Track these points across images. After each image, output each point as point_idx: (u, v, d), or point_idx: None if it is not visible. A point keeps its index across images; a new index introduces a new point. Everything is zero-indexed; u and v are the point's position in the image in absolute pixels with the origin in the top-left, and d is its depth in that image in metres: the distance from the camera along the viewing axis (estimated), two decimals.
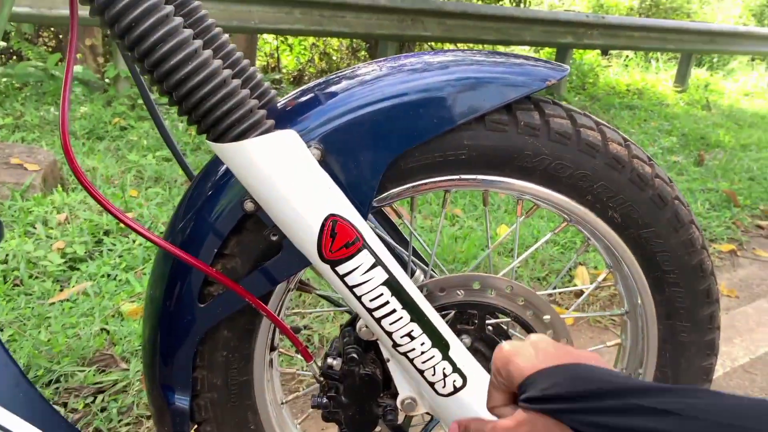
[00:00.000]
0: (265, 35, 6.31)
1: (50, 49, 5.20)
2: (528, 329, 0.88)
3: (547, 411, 0.54)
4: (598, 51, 7.78)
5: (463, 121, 0.78)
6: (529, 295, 0.87)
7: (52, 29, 5.68)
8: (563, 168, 0.83)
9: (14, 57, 5.21)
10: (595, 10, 9.80)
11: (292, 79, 6.62)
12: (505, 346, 0.61)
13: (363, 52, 6.95)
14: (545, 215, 2.61)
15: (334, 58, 7.10)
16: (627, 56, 8.80)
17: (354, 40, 6.72)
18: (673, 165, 3.75)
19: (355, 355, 0.80)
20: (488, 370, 0.85)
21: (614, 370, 0.58)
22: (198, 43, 0.67)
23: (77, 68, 4.16)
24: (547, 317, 0.87)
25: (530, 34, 5.43)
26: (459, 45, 5.75)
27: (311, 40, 6.90)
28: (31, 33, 5.31)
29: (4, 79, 3.91)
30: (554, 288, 1.85)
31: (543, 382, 0.56)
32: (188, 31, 0.66)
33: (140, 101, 3.95)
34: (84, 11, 0.69)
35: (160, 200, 2.43)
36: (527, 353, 0.58)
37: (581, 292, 1.98)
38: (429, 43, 5.89)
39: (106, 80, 4.23)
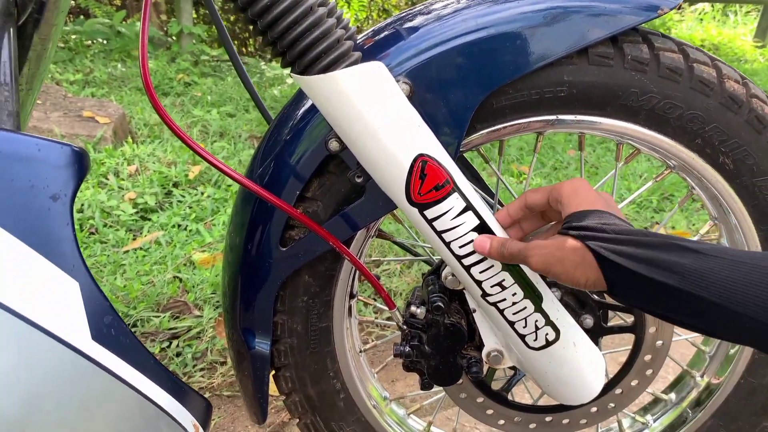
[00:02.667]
0: None
1: (115, 7, 5.28)
2: None
3: (582, 236, 0.60)
4: None
5: (563, 54, 0.71)
6: None
7: None
8: (672, 108, 0.75)
9: (81, 15, 5.32)
10: None
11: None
12: (575, 182, 0.66)
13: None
14: (621, 174, 2.49)
15: (393, 14, 6.95)
16: (702, 9, 8.25)
17: None
18: None
19: (440, 304, 0.76)
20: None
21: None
22: None
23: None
24: None
25: None
26: None
27: None
28: None
29: (74, 36, 4.00)
30: None
31: (589, 217, 0.61)
32: None
33: (203, 57, 3.97)
34: None
35: (226, 154, 2.45)
36: (589, 192, 0.64)
37: None
38: None
39: (169, 37, 4.27)
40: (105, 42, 4.07)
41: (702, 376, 0.94)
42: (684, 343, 0.98)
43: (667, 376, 1.32)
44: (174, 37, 4.23)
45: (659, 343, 0.85)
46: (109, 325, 0.58)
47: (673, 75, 0.74)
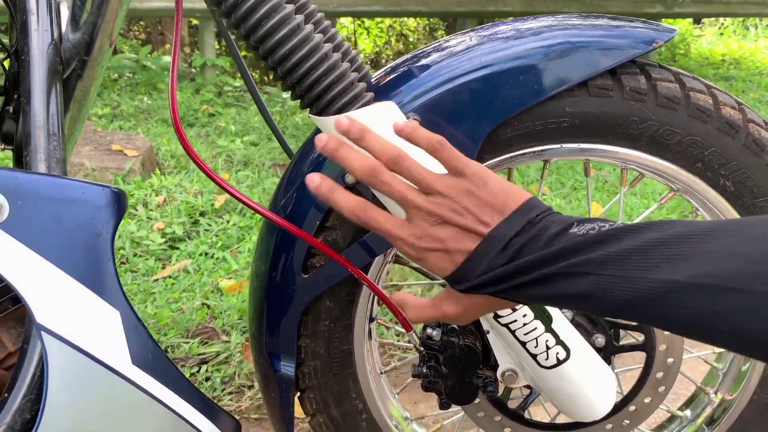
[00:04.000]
0: (342, 19, 6.36)
1: (140, 42, 5.47)
2: None
3: (482, 293, 0.59)
4: (690, 20, 7.32)
5: (564, 87, 0.76)
6: None
7: (141, 22, 5.96)
8: (672, 134, 0.79)
9: None
10: None
11: (369, 62, 6.65)
12: (407, 248, 0.62)
13: (441, 32, 6.88)
14: (637, 192, 2.51)
15: (411, 39, 7.06)
16: (722, 24, 8.23)
17: (431, 19, 6.65)
18: None
19: (455, 326, 0.80)
20: (589, 343, 0.84)
21: (516, 203, 0.60)
22: (300, 18, 0.68)
23: (166, 58, 4.37)
24: None
25: (616, 4, 5.18)
26: None
27: (388, 21, 6.89)
28: (123, 26, 5.60)
29: None
30: None
31: (468, 275, 0.59)
32: (290, 6, 0.68)
33: (226, 88, 4.09)
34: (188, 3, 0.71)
35: (250, 183, 2.52)
36: (433, 252, 0.60)
37: None
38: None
39: (193, 69, 4.41)
40: (132, 76, 4.22)
41: (716, 393, 0.96)
42: (700, 360, 1.00)
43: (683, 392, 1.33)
44: (197, 69, 4.37)
45: (670, 360, 0.88)
46: (147, 351, 0.63)
47: (671, 103, 0.78)
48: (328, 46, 0.70)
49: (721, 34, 7.92)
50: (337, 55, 0.70)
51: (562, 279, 0.53)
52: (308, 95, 0.70)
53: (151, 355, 0.63)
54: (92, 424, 0.60)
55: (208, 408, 0.70)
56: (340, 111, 0.70)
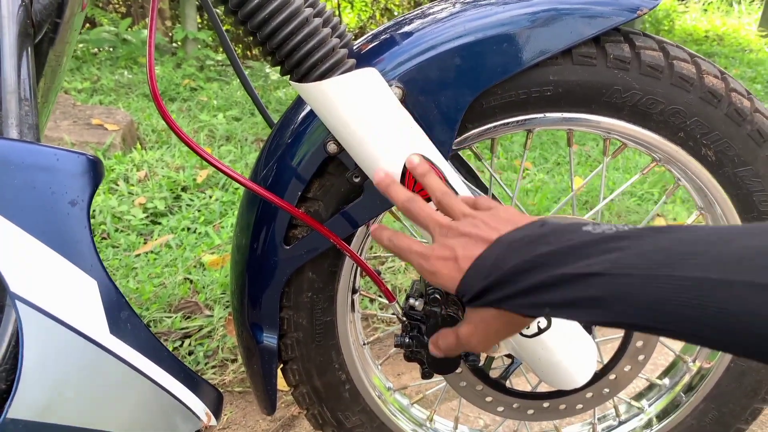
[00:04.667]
0: None
1: (120, 15, 5.35)
2: None
3: (489, 305, 0.54)
4: None
5: (548, 55, 0.75)
6: None
7: None
8: (655, 103, 0.79)
9: (87, 24, 5.39)
10: None
11: (353, 37, 6.58)
12: (422, 261, 0.61)
13: (426, 3, 6.81)
14: (620, 166, 2.52)
15: (396, 13, 6.98)
16: (706, 0, 8.22)
17: None
18: None
19: (437, 296, 0.80)
20: None
21: (531, 220, 0.57)
22: None
23: (146, 32, 4.28)
24: None
25: None
26: None
27: None
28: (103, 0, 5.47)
29: (81, 45, 4.06)
30: None
31: (473, 281, 0.55)
32: None
33: (208, 62, 4.02)
34: None
35: (233, 158, 2.49)
36: (444, 262, 0.58)
37: None
38: None
39: (174, 43, 4.33)
40: (111, 50, 4.13)
41: (694, 361, 0.97)
42: None
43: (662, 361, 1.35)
44: (179, 43, 4.29)
45: None
46: (126, 320, 0.63)
47: (654, 72, 0.78)
48: (309, 11, 0.68)
49: (705, 10, 7.92)
50: (318, 21, 0.69)
51: (575, 280, 0.48)
52: (288, 61, 0.69)
53: (130, 325, 0.63)
54: (70, 394, 0.59)
55: (189, 378, 0.69)
56: (321, 77, 0.68)
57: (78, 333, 0.59)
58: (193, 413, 0.69)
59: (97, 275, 0.61)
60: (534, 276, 0.51)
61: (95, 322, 0.60)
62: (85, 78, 3.55)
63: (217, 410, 0.74)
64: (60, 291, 0.58)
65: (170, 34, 4.65)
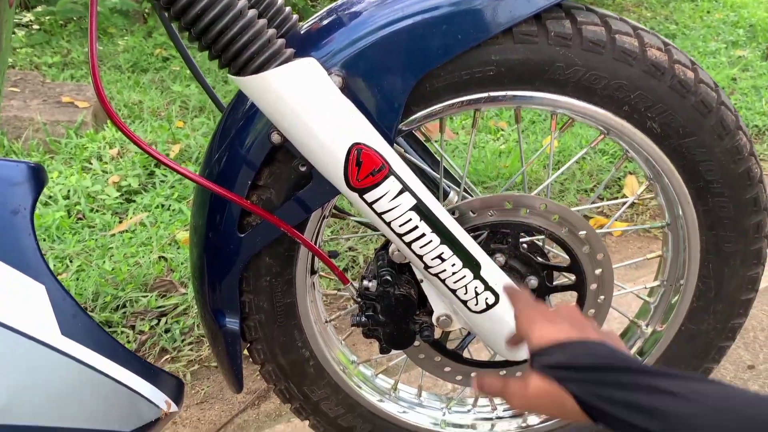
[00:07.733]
0: None
1: None
2: (563, 246, 0.88)
3: (557, 378, 0.59)
4: None
5: (489, 35, 0.75)
6: (563, 212, 0.86)
7: None
8: (598, 79, 0.79)
9: None
10: None
11: (299, 18, 6.40)
12: (531, 309, 0.68)
13: None
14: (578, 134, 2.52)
15: None
16: None
17: None
18: (738, 60, 3.51)
19: (389, 278, 0.82)
20: (523, 285, 0.87)
21: (627, 352, 0.62)
22: None
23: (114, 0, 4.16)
24: (582, 233, 0.87)
25: None
26: None
27: None
28: None
29: (48, 18, 3.96)
30: (601, 199, 1.82)
31: (557, 353, 0.61)
32: None
33: None
34: None
35: (206, 130, 2.48)
36: (548, 323, 0.65)
37: (631, 204, 1.94)
38: None
39: (146, 10, 4.22)
40: (82, 20, 4.03)
41: (647, 326, 1.01)
42: (631, 295, 1.05)
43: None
44: (150, 10, 4.19)
45: (601, 298, 0.92)
46: (76, 320, 0.64)
47: (596, 47, 0.78)
48: (243, 3, 0.68)
49: None
50: (252, 12, 0.68)
51: (646, 390, 0.53)
52: (224, 55, 0.68)
53: (81, 324, 0.64)
54: (27, 399, 0.61)
55: (147, 370, 0.72)
56: (257, 70, 0.68)
57: (28, 337, 0.60)
58: (153, 403, 0.71)
59: (44, 279, 0.62)
60: (612, 375, 0.56)
61: (45, 325, 0.62)
62: (55, 52, 3.48)
63: (177, 397, 0.77)
64: (7, 298, 0.60)
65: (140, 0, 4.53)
